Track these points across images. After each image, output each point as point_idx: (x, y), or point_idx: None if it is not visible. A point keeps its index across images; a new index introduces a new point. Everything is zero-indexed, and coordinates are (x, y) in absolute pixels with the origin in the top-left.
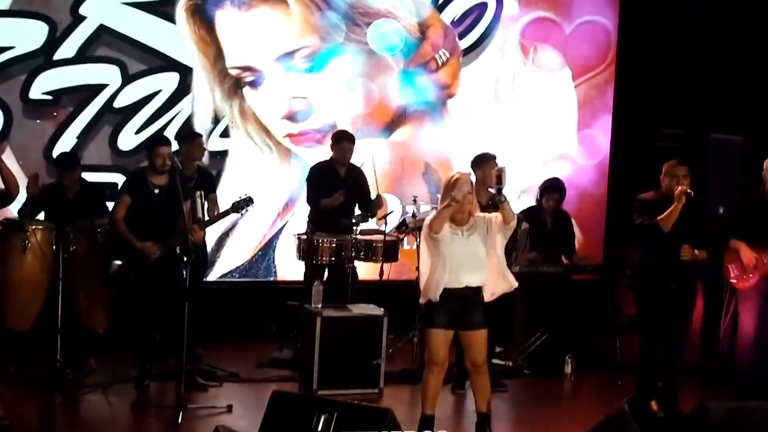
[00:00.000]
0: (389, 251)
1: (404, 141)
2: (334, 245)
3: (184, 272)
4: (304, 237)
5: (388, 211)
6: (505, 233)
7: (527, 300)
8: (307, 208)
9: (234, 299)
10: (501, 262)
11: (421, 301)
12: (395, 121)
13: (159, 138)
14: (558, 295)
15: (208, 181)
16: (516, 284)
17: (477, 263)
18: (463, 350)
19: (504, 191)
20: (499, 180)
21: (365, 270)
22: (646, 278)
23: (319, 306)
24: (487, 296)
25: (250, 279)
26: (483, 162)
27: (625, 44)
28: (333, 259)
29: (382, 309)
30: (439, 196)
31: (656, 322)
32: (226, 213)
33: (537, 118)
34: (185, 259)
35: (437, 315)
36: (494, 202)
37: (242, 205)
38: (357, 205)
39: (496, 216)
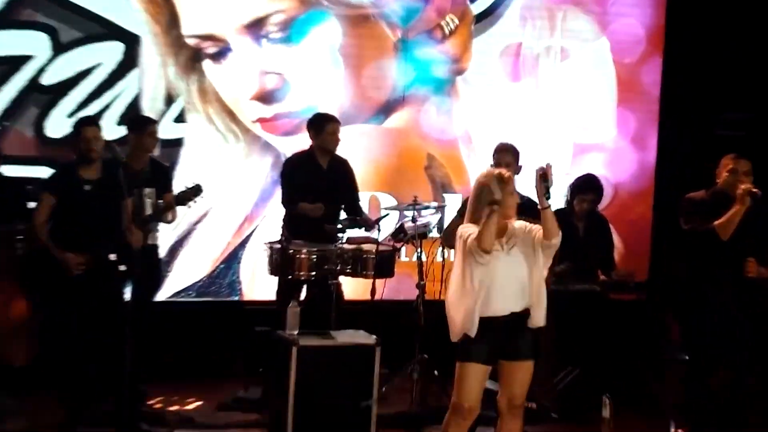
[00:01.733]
0: (383, 265)
1: (402, 128)
2: (314, 257)
3: (126, 287)
4: (278, 246)
5: (382, 215)
6: (547, 252)
7: (554, 326)
8: (282, 211)
9: (190, 323)
10: (542, 287)
11: (455, 338)
12: (391, 103)
13: (83, 119)
14: (593, 319)
15: (164, 177)
16: (543, 322)
17: (521, 284)
18: (502, 385)
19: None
20: (545, 179)
21: (353, 288)
22: (699, 299)
23: (296, 332)
24: (540, 319)
25: (209, 299)
26: (501, 153)
27: (678, 10)
28: (313, 274)
29: (374, 337)
30: (444, 195)
31: (712, 351)
32: (168, 207)
33: (567, 101)
34: (127, 270)
35: (475, 347)
36: (524, 209)
37: (188, 195)
38: (343, 206)
39: (538, 228)
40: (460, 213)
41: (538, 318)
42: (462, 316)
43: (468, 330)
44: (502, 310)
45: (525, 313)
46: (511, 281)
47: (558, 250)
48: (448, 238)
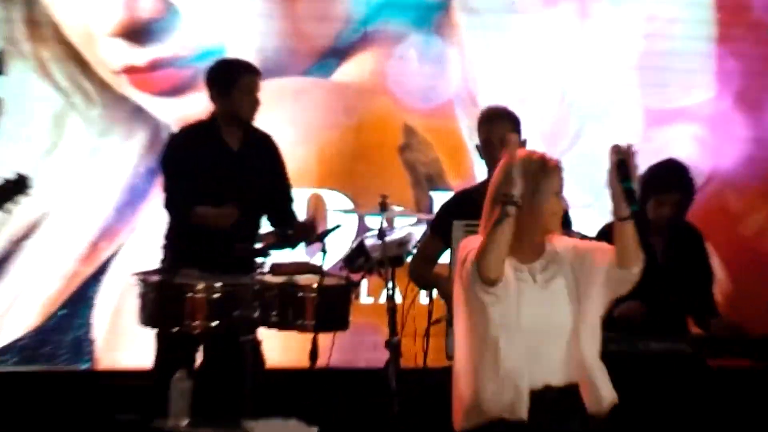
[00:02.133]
0: (331, 309)
1: (363, 84)
2: (216, 296)
3: None
4: (156, 279)
5: (331, 227)
6: (617, 287)
7: (616, 408)
8: (165, 221)
9: (8, 405)
10: (597, 339)
11: (458, 427)
12: (344, 44)
13: None
14: (679, 398)
15: None
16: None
17: (561, 336)
18: None
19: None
20: (625, 167)
21: (283, 347)
22: None
23: (184, 422)
24: (605, 397)
25: (41, 367)
26: (495, 121)
27: None
28: (215, 324)
29: (316, 430)
30: (432, 194)
31: None
32: None
33: (632, 39)
34: None
35: None
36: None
37: (5, 193)
38: (267, 211)
39: (601, 248)
40: (436, 228)
41: (600, 395)
42: (471, 391)
43: (478, 415)
44: (533, 378)
45: (571, 389)
46: (549, 330)
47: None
48: (417, 272)
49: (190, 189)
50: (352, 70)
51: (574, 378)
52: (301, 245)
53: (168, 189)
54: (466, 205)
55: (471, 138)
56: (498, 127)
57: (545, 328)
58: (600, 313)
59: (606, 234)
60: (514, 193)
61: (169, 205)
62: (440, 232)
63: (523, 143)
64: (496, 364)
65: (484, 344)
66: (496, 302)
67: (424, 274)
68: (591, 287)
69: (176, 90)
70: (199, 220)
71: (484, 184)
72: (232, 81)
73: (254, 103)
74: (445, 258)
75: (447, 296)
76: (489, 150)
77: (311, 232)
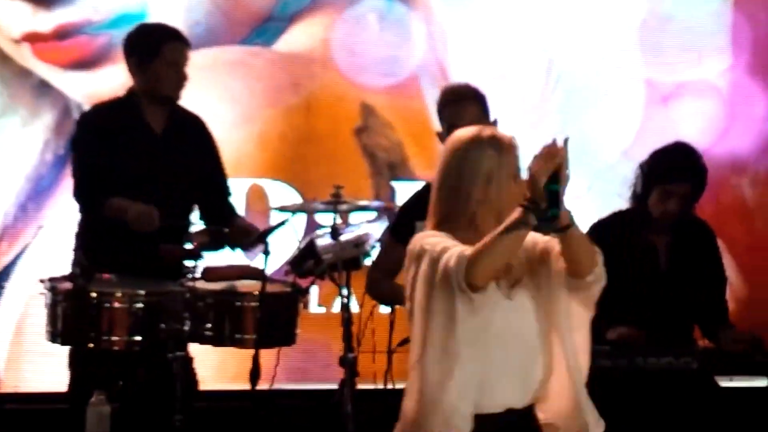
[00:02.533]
0: (276, 320)
1: (311, 53)
2: (139, 306)
3: None
4: (67, 288)
5: (275, 224)
6: (579, 295)
7: (608, 427)
8: (76, 217)
9: None
10: (577, 360)
11: None
12: (289, 7)
13: None
14: (684, 420)
15: None
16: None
17: (527, 356)
18: None
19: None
20: (555, 179)
21: (219, 365)
22: None
23: None
24: (542, 414)
25: None
26: (462, 103)
27: None
28: (138, 339)
29: None
30: (394, 184)
31: None
32: None
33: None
34: None
35: None
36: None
37: None
38: (199, 205)
39: (556, 248)
40: (396, 233)
41: (586, 421)
42: (418, 407)
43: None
44: (493, 399)
45: (527, 412)
46: (513, 350)
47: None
48: (376, 285)
49: (105, 176)
50: (298, 38)
51: (535, 397)
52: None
53: (78, 176)
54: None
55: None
56: (466, 110)
57: (512, 343)
58: (579, 325)
59: (594, 232)
60: (540, 202)
61: (80, 194)
62: (402, 237)
63: (494, 123)
64: (453, 381)
65: (445, 357)
66: (470, 313)
67: (385, 287)
68: (557, 294)
69: (89, 62)
70: (113, 213)
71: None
72: (152, 50)
73: (179, 78)
74: None
75: None
76: None
77: (251, 231)
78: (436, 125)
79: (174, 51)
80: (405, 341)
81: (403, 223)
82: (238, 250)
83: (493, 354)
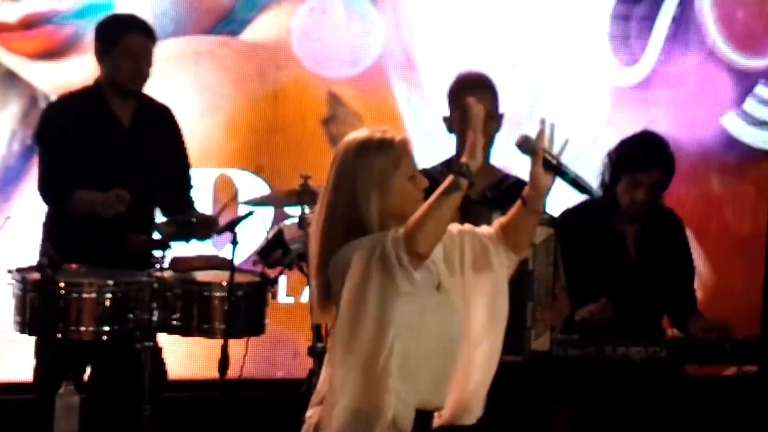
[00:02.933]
0: (244, 311)
1: (278, 43)
2: (107, 296)
3: None
4: (34, 279)
5: (243, 214)
6: (501, 271)
7: (577, 417)
8: (42, 209)
9: None
10: (493, 358)
11: None
12: None
13: None
14: (653, 410)
15: None
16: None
17: (449, 353)
18: None
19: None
20: (558, 169)
21: (188, 356)
22: None
23: None
24: (470, 414)
25: None
26: (480, 92)
27: None
28: (106, 329)
29: None
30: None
31: None
32: None
33: None
34: None
35: None
36: (500, 195)
37: None
38: (162, 196)
39: (480, 230)
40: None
41: (465, 413)
42: (346, 399)
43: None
44: (427, 399)
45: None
46: (441, 346)
47: (582, 284)
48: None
49: (71, 170)
50: (265, 28)
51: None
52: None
53: (43, 169)
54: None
55: (408, 105)
56: (482, 99)
57: (441, 339)
58: (492, 319)
59: (562, 221)
60: (471, 165)
61: (45, 188)
62: None
63: (500, 117)
64: (386, 371)
65: (378, 345)
66: (408, 295)
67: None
68: (480, 281)
69: (55, 52)
70: (81, 207)
71: (449, 164)
72: (112, 39)
73: (138, 70)
74: None
75: None
76: (463, 125)
77: (213, 222)
78: (406, 114)
79: (133, 42)
80: None
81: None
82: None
83: (425, 347)
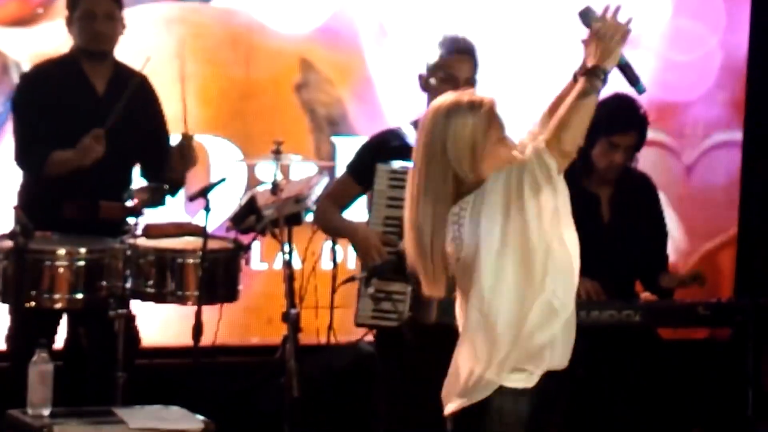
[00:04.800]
0: (217, 278)
1: (248, 8)
2: (80, 263)
3: None
4: (7, 246)
5: (215, 180)
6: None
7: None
8: (17, 177)
9: None
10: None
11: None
12: None
13: None
14: (627, 374)
15: None
16: None
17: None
18: None
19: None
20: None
21: (162, 323)
22: None
23: (46, 412)
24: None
25: None
26: (463, 57)
27: None
28: (79, 297)
29: (201, 419)
30: (334, 139)
31: None
32: None
33: None
34: None
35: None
36: None
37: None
38: (141, 163)
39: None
40: (354, 168)
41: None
42: (514, 333)
43: (527, 362)
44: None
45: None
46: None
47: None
48: (325, 215)
49: (47, 137)
50: None
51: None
52: (179, 201)
53: (19, 137)
54: (396, 146)
55: (380, 72)
56: (466, 63)
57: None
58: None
59: None
60: (607, 67)
61: (22, 156)
62: (358, 173)
63: (474, 84)
64: (536, 303)
65: (534, 284)
66: (551, 198)
67: (334, 218)
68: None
69: (27, 18)
70: (58, 167)
71: (416, 125)
72: (74, 5)
73: (96, 31)
74: (360, 207)
75: (364, 248)
76: (444, 87)
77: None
78: (377, 80)
79: (90, 5)
80: (351, 279)
81: (363, 163)
82: (179, 207)
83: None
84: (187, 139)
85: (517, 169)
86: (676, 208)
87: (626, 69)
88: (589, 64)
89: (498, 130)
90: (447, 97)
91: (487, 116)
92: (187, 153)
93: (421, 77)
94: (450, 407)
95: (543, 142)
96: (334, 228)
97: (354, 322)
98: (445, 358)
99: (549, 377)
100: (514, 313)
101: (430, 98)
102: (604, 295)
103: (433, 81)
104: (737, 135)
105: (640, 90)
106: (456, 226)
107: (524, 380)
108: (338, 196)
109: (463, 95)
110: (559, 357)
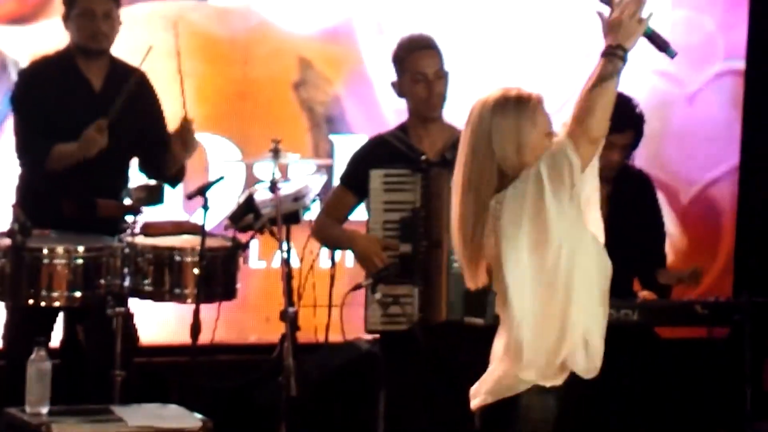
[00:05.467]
0: (216, 276)
1: (246, 6)
2: (78, 262)
3: None
4: (6, 243)
5: (214, 179)
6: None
7: None
8: (16, 175)
9: None
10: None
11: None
12: None
13: None
14: (624, 373)
15: None
16: None
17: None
18: None
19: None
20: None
21: (160, 322)
22: None
23: (44, 411)
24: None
25: None
26: (423, 51)
27: None
28: (77, 295)
29: (199, 417)
30: (333, 138)
31: None
32: None
33: None
34: None
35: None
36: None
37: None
38: (140, 159)
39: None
40: (347, 179)
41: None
42: (531, 338)
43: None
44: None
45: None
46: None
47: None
48: (325, 230)
49: (47, 131)
50: None
51: None
52: (177, 199)
53: (20, 133)
54: (385, 152)
55: (378, 71)
56: (432, 58)
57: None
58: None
59: None
60: (627, 47)
61: (24, 151)
62: (353, 184)
63: (447, 75)
64: (575, 299)
65: (554, 277)
66: (571, 195)
67: (334, 233)
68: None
69: (24, 16)
70: (62, 160)
71: (404, 129)
72: (71, 3)
73: (94, 29)
74: (360, 215)
75: (365, 256)
76: (415, 88)
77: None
78: (375, 79)
79: (87, 3)
80: (357, 287)
81: (356, 171)
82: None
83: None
84: (186, 122)
85: (544, 162)
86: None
87: (653, 37)
88: (611, 43)
89: (544, 126)
90: (494, 92)
91: (533, 111)
92: (187, 137)
93: (393, 84)
94: (476, 402)
95: (566, 136)
96: (333, 240)
97: (365, 329)
98: (458, 355)
99: (576, 379)
100: (537, 314)
101: (409, 102)
102: None
103: (405, 84)
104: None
105: (671, 54)
106: (494, 219)
107: (552, 378)
108: (334, 208)
109: (510, 90)
110: (584, 362)
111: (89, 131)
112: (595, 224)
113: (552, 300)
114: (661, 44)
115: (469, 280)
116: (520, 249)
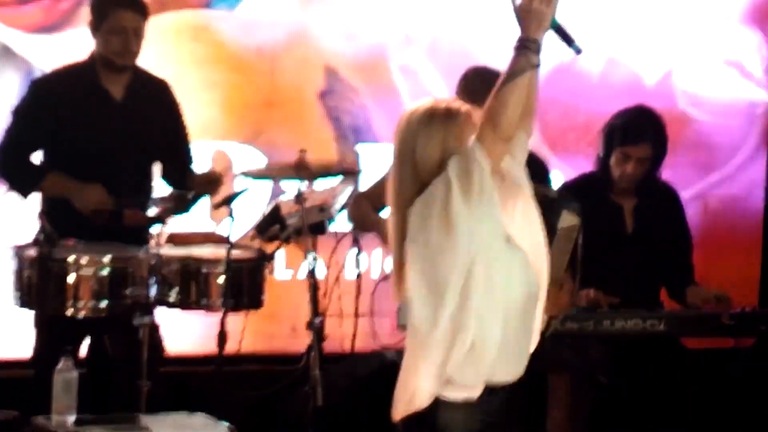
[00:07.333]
0: (241, 286)
1: (274, 16)
2: (104, 273)
3: None
4: (32, 254)
5: (240, 189)
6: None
7: (578, 392)
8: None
9: None
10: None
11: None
12: None
13: None
14: (653, 387)
15: None
16: None
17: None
18: None
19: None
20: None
21: (185, 331)
22: None
23: (71, 419)
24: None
25: None
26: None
27: None
28: (104, 305)
29: (225, 425)
30: (358, 147)
31: None
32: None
33: None
34: None
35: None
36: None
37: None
38: (162, 167)
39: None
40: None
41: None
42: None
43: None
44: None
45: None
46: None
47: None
48: (359, 209)
49: (35, 146)
50: (262, 2)
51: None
52: (203, 209)
53: (5, 139)
54: None
55: (405, 80)
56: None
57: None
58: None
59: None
60: (539, 39)
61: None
62: None
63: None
64: (482, 308)
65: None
66: (485, 200)
67: (367, 214)
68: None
69: (53, 25)
70: (53, 189)
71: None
72: (102, 14)
73: (126, 46)
74: None
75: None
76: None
77: (214, 185)
78: (402, 88)
79: (121, 17)
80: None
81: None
82: (204, 216)
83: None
84: (217, 176)
85: (453, 167)
86: None
87: (559, 30)
88: (521, 36)
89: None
90: (423, 103)
91: (461, 126)
92: (211, 188)
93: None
94: (395, 414)
95: (475, 139)
96: (361, 221)
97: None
98: None
99: (493, 392)
100: (438, 324)
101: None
102: (611, 298)
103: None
104: None
105: (577, 50)
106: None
107: (464, 392)
108: (375, 195)
109: (441, 102)
110: (502, 371)
111: (97, 188)
112: (522, 232)
113: (441, 308)
114: (567, 39)
115: (396, 289)
116: (424, 254)
